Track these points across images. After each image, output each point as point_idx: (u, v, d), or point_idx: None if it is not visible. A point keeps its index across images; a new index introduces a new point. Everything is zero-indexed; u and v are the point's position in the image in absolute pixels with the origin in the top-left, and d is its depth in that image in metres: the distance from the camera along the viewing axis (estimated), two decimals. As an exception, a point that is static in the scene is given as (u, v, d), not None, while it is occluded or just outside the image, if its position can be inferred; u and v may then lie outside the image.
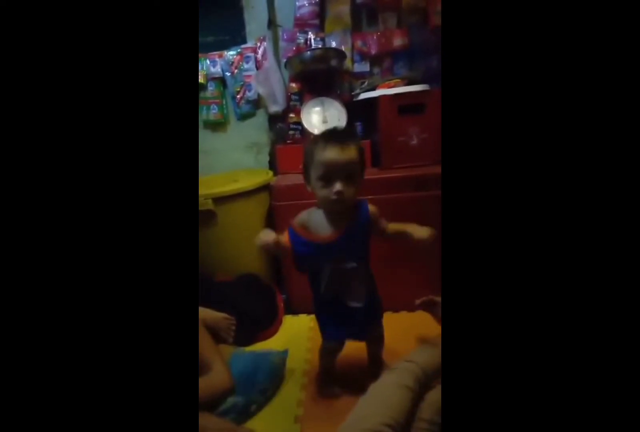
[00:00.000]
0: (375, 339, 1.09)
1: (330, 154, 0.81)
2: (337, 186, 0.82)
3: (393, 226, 0.95)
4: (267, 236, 0.86)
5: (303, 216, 0.94)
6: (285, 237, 0.90)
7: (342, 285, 0.94)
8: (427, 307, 1.15)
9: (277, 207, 1.45)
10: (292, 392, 1.08)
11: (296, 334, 1.39)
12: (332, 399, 1.06)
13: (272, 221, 1.51)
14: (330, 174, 0.82)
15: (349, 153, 0.82)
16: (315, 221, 0.91)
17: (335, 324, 1.00)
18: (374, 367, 1.12)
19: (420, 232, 0.89)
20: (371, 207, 0.92)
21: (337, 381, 1.11)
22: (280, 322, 1.44)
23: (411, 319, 1.38)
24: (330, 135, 0.86)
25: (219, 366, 1.01)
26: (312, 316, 1.49)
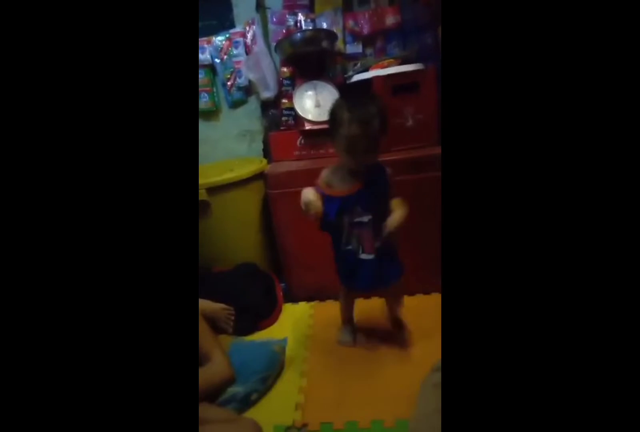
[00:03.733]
0: (392, 297, 1.21)
1: (354, 130, 0.89)
2: (360, 157, 0.93)
3: (393, 202, 1.01)
4: (311, 194, 0.97)
5: (326, 174, 1.03)
6: (314, 195, 0.99)
7: (357, 237, 1.03)
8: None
9: (273, 195, 1.42)
10: (293, 380, 1.08)
11: (296, 322, 1.38)
12: (347, 348, 1.18)
13: (267, 209, 1.49)
14: (353, 146, 0.91)
15: (371, 128, 0.90)
16: (337, 177, 1.01)
17: (349, 276, 1.10)
18: (393, 326, 1.24)
19: (392, 219, 0.95)
20: (389, 171, 1.01)
21: (355, 331, 1.24)
22: (279, 311, 1.43)
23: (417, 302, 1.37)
24: (355, 111, 0.90)
25: (218, 356, 1.01)
26: (312, 304, 1.49)
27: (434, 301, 1.41)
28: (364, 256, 1.05)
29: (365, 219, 1.01)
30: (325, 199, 0.99)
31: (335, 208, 1.00)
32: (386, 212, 1.00)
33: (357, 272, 1.08)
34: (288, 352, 1.16)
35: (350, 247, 1.05)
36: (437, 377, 0.87)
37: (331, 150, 1.53)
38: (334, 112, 0.96)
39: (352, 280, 1.11)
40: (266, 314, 1.39)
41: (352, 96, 0.99)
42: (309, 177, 1.40)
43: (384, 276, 1.08)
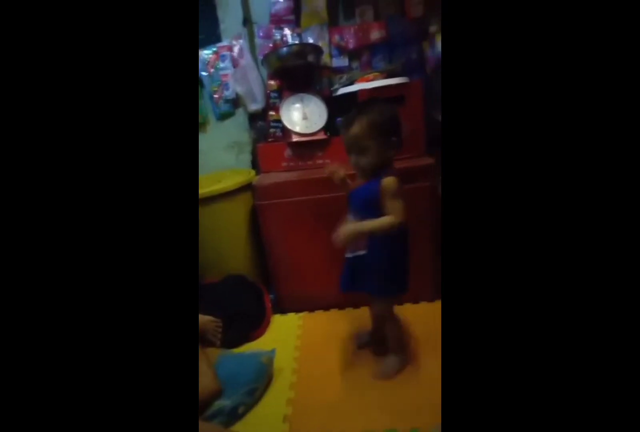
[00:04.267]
0: (375, 312, 1.21)
1: (345, 132, 1.00)
2: (352, 159, 1.01)
3: (389, 204, 1.01)
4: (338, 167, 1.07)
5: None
6: None
7: None
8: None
9: (261, 206, 1.43)
10: (281, 392, 1.07)
11: (285, 333, 1.38)
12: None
13: (256, 220, 1.49)
14: (348, 148, 1.01)
15: (356, 130, 0.96)
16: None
17: (343, 275, 1.13)
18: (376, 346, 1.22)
19: (383, 220, 0.97)
20: (386, 182, 0.98)
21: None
22: (268, 322, 1.43)
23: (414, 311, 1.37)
24: (348, 116, 1.00)
25: (204, 369, 1.00)
26: (301, 314, 1.49)
27: (423, 310, 1.42)
28: (347, 254, 1.10)
29: (352, 218, 1.05)
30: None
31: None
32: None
33: (352, 273, 1.10)
34: (277, 363, 1.15)
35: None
36: None
37: (319, 162, 1.54)
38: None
39: (343, 279, 1.13)
40: (255, 326, 1.38)
41: (366, 104, 1.06)
42: (296, 189, 1.42)
43: (358, 279, 1.09)
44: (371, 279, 1.07)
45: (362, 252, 1.05)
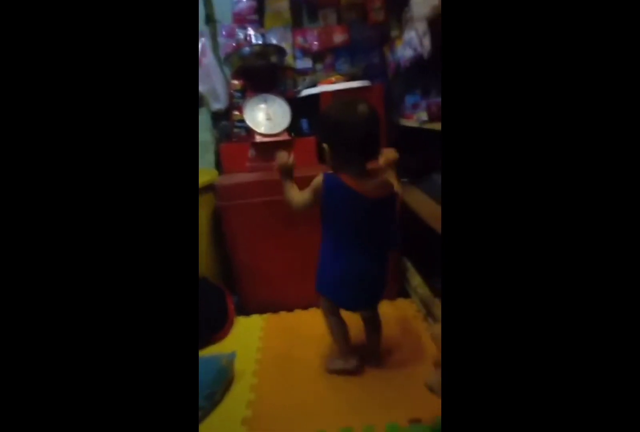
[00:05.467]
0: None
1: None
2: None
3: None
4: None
5: None
6: None
7: None
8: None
9: (223, 207, 1.41)
10: (242, 394, 1.07)
11: (248, 335, 1.37)
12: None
13: (218, 221, 1.47)
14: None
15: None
16: None
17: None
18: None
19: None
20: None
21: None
22: (231, 324, 1.42)
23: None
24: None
25: None
26: (264, 316, 1.49)
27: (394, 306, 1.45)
28: None
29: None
30: None
31: None
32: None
33: None
34: (238, 365, 1.15)
35: None
36: None
37: (282, 163, 1.55)
38: None
39: None
40: (217, 328, 1.37)
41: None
42: (259, 189, 1.41)
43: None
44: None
45: None
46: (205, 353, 1.23)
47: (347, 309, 1.10)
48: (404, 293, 1.54)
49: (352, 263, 1.01)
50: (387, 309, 1.44)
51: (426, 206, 1.28)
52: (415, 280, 1.45)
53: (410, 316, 1.40)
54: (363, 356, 1.14)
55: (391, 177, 1.03)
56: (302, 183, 1.02)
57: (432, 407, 0.92)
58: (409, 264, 1.54)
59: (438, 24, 1.02)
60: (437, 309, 1.24)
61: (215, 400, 1.02)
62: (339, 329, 1.11)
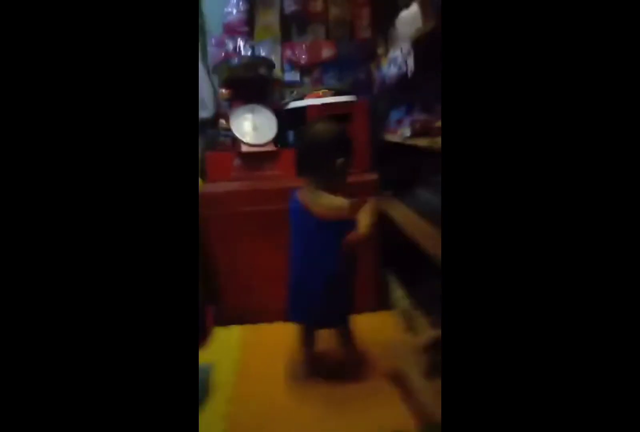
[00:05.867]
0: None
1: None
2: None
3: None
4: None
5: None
6: None
7: None
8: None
9: (207, 217, 1.40)
10: (218, 406, 1.05)
11: (226, 346, 1.35)
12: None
13: (200, 231, 1.46)
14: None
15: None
16: None
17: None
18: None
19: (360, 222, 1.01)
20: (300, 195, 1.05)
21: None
22: (208, 335, 1.39)
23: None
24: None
25: None
26: (244, 326, 1.47)
27: (367, 320, 1.46)
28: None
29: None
30: None
31: None
32: None
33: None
34: (216, 377, 1.13)
35: None
36: None
37: (267, 173, 1.55)
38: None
39: None
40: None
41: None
42: (243, 199, 1.41)
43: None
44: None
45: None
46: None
47: (303, 324, 1.14)
48: (385, 305, 1.54)
49: (300, 280, 1.07)
50: (368, 321, 1.44)
51: (409, 220, 1.30)
52: (397, 293, 1.46)
53: (389, 329, 1.40)
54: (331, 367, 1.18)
55: (364, 215, 1.04)
56: (281, 194, 1.07)
57: (407, 420, 0.92)
58: (390, 277, 1.55)
59: (422, 44, 1.06)
60: (418, 322, 1.25)
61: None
62: (306, 339, 1.16)
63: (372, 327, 1.38)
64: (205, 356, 1.29)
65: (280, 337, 1.37)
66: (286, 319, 1.14)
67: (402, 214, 1.40)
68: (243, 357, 1.28)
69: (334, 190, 1.03)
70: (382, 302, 1.55)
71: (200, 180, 1.65)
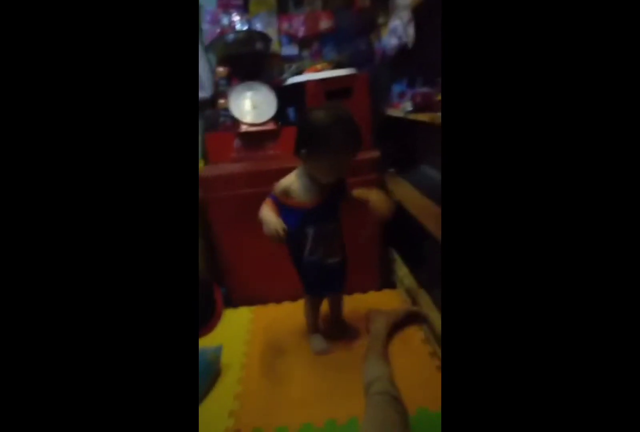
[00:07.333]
0: (338, 299, 1.28)
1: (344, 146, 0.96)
2: (342, 172, 1.01)
3: (357, 192, 1.04)
4: (271, 215, 0.94)
5: (285, 184, 1.00)
6: (272, 210, 0.97)
7: (324, 244, 1.05)
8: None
9: (208, 198, 1.39)
10: (229, 387, 1.07)
11: (236, 327, 1.37)
12: (323, 355, 1.18)
13: (203, 213, 1.46)
14: (340, 163, 0.98)
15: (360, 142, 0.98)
16: (300, 188, 0.99)
17: (318, 282, 1.13)
18: (338, 327, 1.30)
19: (379, 206, 0.97)
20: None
21: (323, 336, 1.24)
22: (218, 317, 1.42)
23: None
24: (346, 125, 0.94)
25: None
26: (252, 308, 1.49)
27: (372, 298, 1.47)
28: (330, 260, 1.08)
29: (331, 227, 1.05)
30: (284, 210, 0.98)
31: (296, 219, 0.99)
32: (340, 217, 1.08)
33: (326, 278, 1.11)
34: (226, 358, 1.15)
35: (315, 256, 1.06)
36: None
37: (270, 153, 1.52)
38: (319, 126, 0.90)
39: (320, 287, 1.15)
40: (203, 322, 1.36)
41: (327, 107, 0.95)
42: (245, 180, 1.39)
43: (345, 276, 1.17)
44: (340, 279, 1.17)
45: (339, 258, 1.11)
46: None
47: (312, 295, 1.20)
48: (390, 284, 1.55)
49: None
50: (373, 300, 1.45)
51: (413, 198, 1.28)
52: (402, 271, 1.46)
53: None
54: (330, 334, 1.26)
55: (377, 197, 1.00)
56: (283, 175, 1.04)
57: (426, 397, 0.94)
58: (395, 255, 1.55)
59: (422, 13, 1.00)
60: (422, 300, 1.25)
61: (201, 395, 1.02)
62: (311, 311, 1.22)
63: (377, 306, 1.39)
64: (215, 338, 1.32)
65: (289, 317, 1.39)
66: (304, 292, 1.20)
67: (406, 192, 1.37)
68: (253, 339, 1.30)
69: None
70: (386, 281, 1.55)
71: (201, 161, 1.63)
